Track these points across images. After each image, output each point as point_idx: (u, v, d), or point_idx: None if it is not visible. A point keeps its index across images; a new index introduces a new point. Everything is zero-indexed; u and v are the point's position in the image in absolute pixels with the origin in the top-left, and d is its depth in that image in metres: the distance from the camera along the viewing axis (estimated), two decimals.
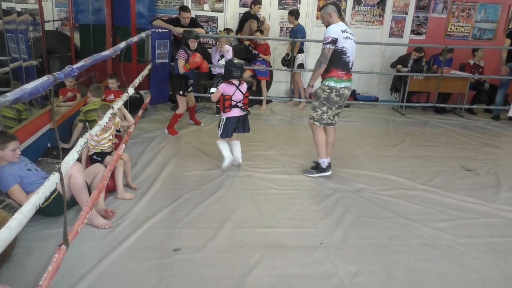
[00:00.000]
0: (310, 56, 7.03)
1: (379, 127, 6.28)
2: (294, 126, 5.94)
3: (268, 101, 7.07)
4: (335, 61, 3.74)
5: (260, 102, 6.87)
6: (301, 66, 6.73)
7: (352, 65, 3.84)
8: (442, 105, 7.12)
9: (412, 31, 7.73)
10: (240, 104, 3.93)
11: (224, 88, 3.90)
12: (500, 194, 3.96)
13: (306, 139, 5.24)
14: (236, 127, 4.00)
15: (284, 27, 7.45)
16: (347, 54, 3.75)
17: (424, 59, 7.02)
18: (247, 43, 6.80)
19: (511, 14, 7.77)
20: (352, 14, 7.49)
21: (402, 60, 7.25)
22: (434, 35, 7.72)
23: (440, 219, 3.39)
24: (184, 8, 5.74)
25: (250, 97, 4.43)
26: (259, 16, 7.08)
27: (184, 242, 2.82)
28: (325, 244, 2.90)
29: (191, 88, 5.28)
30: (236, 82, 3.90)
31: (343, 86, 3.80)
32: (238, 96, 3.91)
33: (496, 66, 7.30)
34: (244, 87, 3.97)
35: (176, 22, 5.78)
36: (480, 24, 7.84)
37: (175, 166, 4.11)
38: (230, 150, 4.10)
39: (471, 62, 7.30)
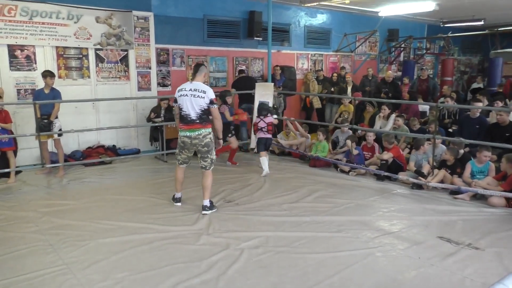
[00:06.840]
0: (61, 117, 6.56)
1: (146, 177, 6.44)
2: (53, 196, 5.39)
3: (17, 172, 6.24)
4: (180, 115, 4.63)
5: (6, 175, 6.00)
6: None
7: (192, 117, 4.55)
8: None
9: (159, 84, 8.29)
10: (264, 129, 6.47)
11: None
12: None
13: (69, 210, 4.82)
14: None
15: (21, 89, 6.80)
16: (183, 109, 4.58)
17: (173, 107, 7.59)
18: None
19: (235, 64, 9.31)
20: (97, 72, 7.49)
21: (155, 111, 7.65)
22: (178, 85, 8.40)
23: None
24: None
25: None
26: None
27: None
28: None
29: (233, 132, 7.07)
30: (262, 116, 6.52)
31: (182, 135, 4.67)
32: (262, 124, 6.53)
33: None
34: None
35: None
36: (214, 74, 9.10)
37: None
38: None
39: None
